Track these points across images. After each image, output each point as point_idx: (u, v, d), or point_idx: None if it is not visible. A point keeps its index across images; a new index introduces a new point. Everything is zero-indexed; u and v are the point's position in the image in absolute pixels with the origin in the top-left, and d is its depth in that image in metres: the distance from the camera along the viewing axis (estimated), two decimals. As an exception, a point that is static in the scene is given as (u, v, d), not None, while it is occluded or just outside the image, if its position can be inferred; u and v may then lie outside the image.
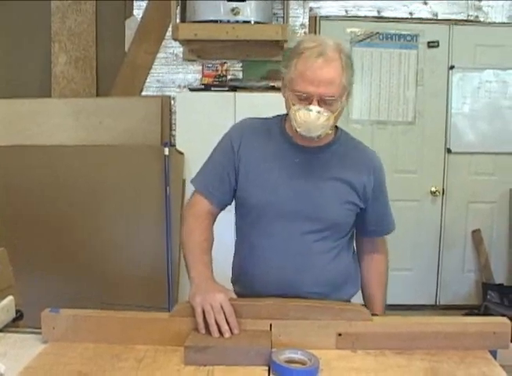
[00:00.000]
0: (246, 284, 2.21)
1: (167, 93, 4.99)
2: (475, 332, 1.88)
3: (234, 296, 2.00)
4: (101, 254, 4.48)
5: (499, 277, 5.22)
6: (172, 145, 4.67)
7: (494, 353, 1.87)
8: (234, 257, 2.32)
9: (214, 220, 2.22)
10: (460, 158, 5.22)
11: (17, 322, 2.12)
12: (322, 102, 1.95)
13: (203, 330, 1.84)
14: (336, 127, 2.18)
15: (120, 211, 4.50)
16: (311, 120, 1.96)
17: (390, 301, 4.56)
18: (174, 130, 4.81)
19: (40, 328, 1.92)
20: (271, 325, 1.88)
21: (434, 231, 5.29)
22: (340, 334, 1.87)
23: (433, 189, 5.21)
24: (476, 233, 5.27)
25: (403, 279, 5.28)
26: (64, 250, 4.45)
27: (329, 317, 1.85)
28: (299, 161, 2.11)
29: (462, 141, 5.21)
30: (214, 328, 1.83)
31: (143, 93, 5.03)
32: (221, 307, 1.86)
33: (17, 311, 2.12)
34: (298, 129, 2.01)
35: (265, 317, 1.89)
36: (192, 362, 1.74)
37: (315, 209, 2.10)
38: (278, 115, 2.18)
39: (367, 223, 2.25)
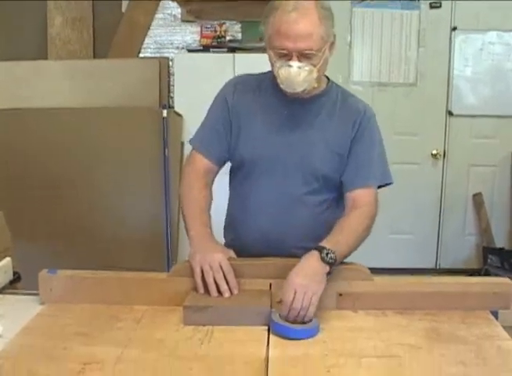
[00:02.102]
0: (236, 237, 2.22)
1: (166, 55, 4.95)
2: (476, 292, 1.88)
3: (234, 256, 1.99)
4: (99, 217, 4.48)
5: (500, 241, 5.22)
6: (171, 107, 4.65)
7: (495, 314, 1.87)
8: (227, 211, 2.32)
9: (214, 178, 2.21)
10: (462, 121, 5.17)
11: (15, 284, 2.11)
12: (302, 56, 1.92)
13: (201, 290, 1.84)
14: (328, 79, 2.17)
15: (119, 174, 4.49)
16: (293, 76, 1.94)
17: (390, 265, 4.65)
18: (173, 92, 4.78)
19: (37, 291, 1.92)
20: (271, 285, 1.88)
21: (435, 194, 5.28)
22: (340, 294, 1.86)
23: (434, 152, 5.18)
24: (477, 197, 5.25)
25: (403, 243, 5.30)
26: (61, 213, 4.45)
27: (329, 277, 1.83)
28: (288, 113, 2.10)
29: (464, 103, 5.17)
30: (212, 287, 1.83)
31: (141, 55, 5.00)
32: (220, 267, 1.85)
33: (15, 273, 2.12)
34: (282, 86, 2.00)
35: (264, 277, 1.89)
36: (191, 322, 1.74)
37: (305, 160, 2.08)
38: (271, 70, 2.15)
39: (343, 171, 2.14)
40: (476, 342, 1.66)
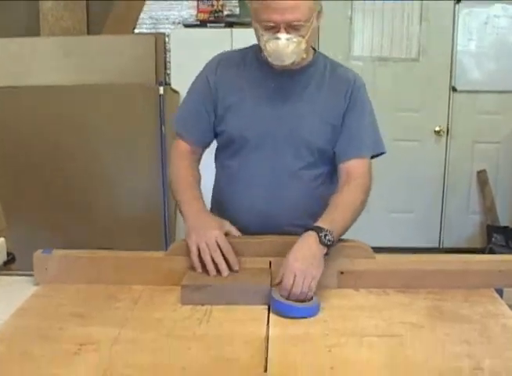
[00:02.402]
0: (227, 218, 2.13)
1: (162, 30, 4.92)
2: (480, 270, 1.88)
3: (230, 227, 1.97)
4: (95, 197, 4.47)
5: (505, 219, 5.22)
6: (167, 84, 4.63)
7: (500, 292, 1.86)
8: (214, 193, 2.30)
9: (199, 158, 2.20)
10: (466, 97, 5.16)
11: (9, 265, 2.12)
12: (289, 28, 1.89)
13: (199, 269, 1.83)
14: (314, 49, 2.14)
15: (115, 152, 4.48)
16: (281, 48, 1.91)
17: (391, 245, 4.64)
18: (169, 68, 4.76)
19: (32, 272, 1.92)
20: (270, 263, 1.88)
21: (438, 172, 5.27)
22: (342, 273, 1.86)
23: (437, 128, 5.17)
24: (481, 174, 5.25)
25: (405, 221, 5.31)
26: (57, 192, 4.44)
27: (330, 255, 1.83)
28: (275, 86, 2.07)
29: (467, 79, 5.15)
30: (210, 267, 1.82)
31: (136, 31, 4.97)
32: (218, 244, 1.85)
33: (9, 254, 2.12)
34: (270, 59, 1.97)
35: (264, 255, 1.89)
36: (189, 301, 1.74)
37: (297, 134, 2.07)
38: (256, 44, 2.09)
39: (336, 144, 2.12)
40: (480, 321, 1.66)
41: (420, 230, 5.32)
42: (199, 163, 2.20)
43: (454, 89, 5.13)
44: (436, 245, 5.36)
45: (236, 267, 1.84)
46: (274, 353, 1.46)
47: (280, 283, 1.74)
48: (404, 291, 1.84)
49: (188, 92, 2.21)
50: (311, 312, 1.69)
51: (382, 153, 2.16)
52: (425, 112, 5.18)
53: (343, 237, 1.94)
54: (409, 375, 1.38)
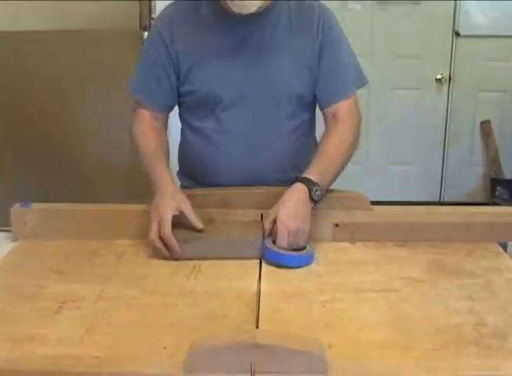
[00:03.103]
0: (207, 182, 2.11)
1: (146, -29, 4.84)
2: (484, 223, 1.88)
3: (185, 208, 1.81)
4: (78, 148, 4.44)
5: (509, 172, 5.22)
6: (152, 29, 4.58)
7: (504, 246, 1.87)
8: (182, 153, 2.23)
9: (164, 124, 2.13)
10: (470, 42, 5.11)
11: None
12: None
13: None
14: None
15: (97, 101, 4.44)
16: None
17: (389, 198, 4.67)
18: (154, 12, 4.69)
19: (10, 228, 1.91)
20: (262, 215, 1.87)
21: (439, 122, 5.25)
22: (337, 225, 1.86)
23: (438, 76, 5.13)
24: (485, 125, 5.23)
25: (404, 174, 5.31)
26: (37, 143, 4.41)
27: (325, 206, 1.83)
28: (242, 34, 2.00)
29: (472, 23, 5.08)
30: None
31: (119, -29, 4.88)
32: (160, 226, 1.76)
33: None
34: (234, 9, 1.88)
35: (255, 207, 1.88)
36: (176, 256, 1.73)
37: (272, 81, 2.01)
38: None
39: (316, 85, 2.08)
40: (483, 275, 1.66)
41: (419, 183, 5.32)
42: (165, 129, 2.13)
43: (457, 34, 5.08)
44: (436, 199, 5.37)
45: (174, 250, 1.75)
46: (266, 309, 1.46)
47: (270, 233, 1.75)
48: (403, 245, 1.84)
49: (142, 53, 2.12)
50: (306, 261, 1.71)
51: (365, 84, 2.12)
52: (426, 58, 5.13)
53: (339, 188, 1.93)
54: (408, 332, 1.37)
